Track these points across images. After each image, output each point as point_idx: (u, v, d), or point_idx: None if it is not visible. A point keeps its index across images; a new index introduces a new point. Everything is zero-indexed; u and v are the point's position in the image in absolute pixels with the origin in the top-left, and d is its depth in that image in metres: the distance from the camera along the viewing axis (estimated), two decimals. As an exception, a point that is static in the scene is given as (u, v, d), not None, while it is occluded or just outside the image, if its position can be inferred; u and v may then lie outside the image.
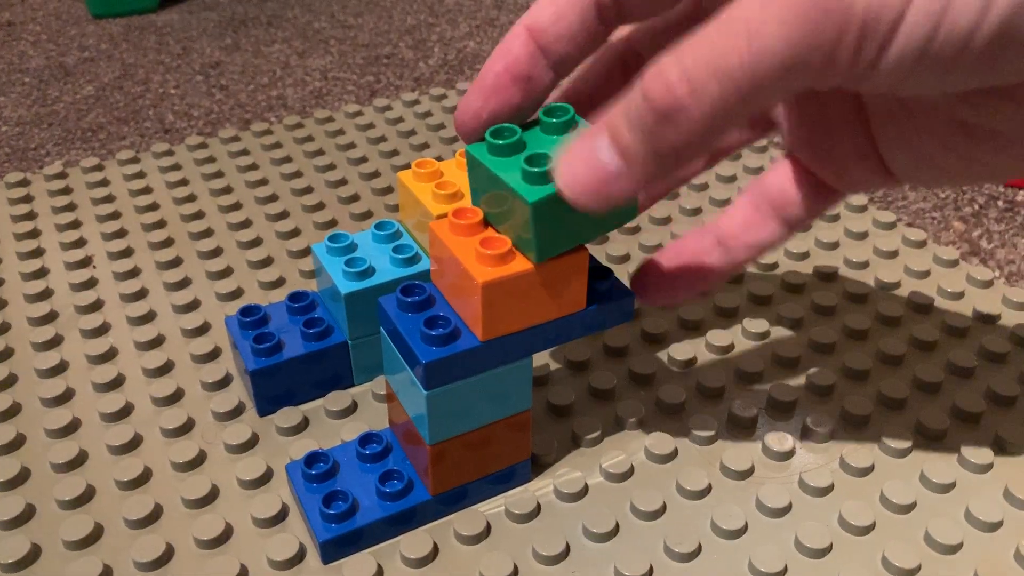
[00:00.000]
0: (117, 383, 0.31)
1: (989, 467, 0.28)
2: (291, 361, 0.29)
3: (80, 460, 0.28)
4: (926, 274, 0.37)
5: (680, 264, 0.25)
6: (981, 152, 0.20)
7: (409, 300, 0.24)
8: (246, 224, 0.40)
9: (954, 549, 0.25)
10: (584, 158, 0.19)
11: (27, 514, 0.26)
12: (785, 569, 0.25)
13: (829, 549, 0.25)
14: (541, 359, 0.32)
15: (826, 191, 0.24)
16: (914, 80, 0.17)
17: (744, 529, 0.26)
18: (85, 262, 0.38)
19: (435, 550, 0.25)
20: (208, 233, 0.40)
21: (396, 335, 0.24)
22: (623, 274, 0.36)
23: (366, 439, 0.27)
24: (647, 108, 0.18)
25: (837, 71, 0.17)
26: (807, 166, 0.24)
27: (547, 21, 0.21)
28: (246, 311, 0.30)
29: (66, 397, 0.31)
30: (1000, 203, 0.42)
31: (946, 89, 0.18)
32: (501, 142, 0.22)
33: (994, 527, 0.26)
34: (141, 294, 0.36)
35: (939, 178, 0.22)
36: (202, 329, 0.34)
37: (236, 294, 0.36)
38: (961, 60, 0.17)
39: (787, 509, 0.27)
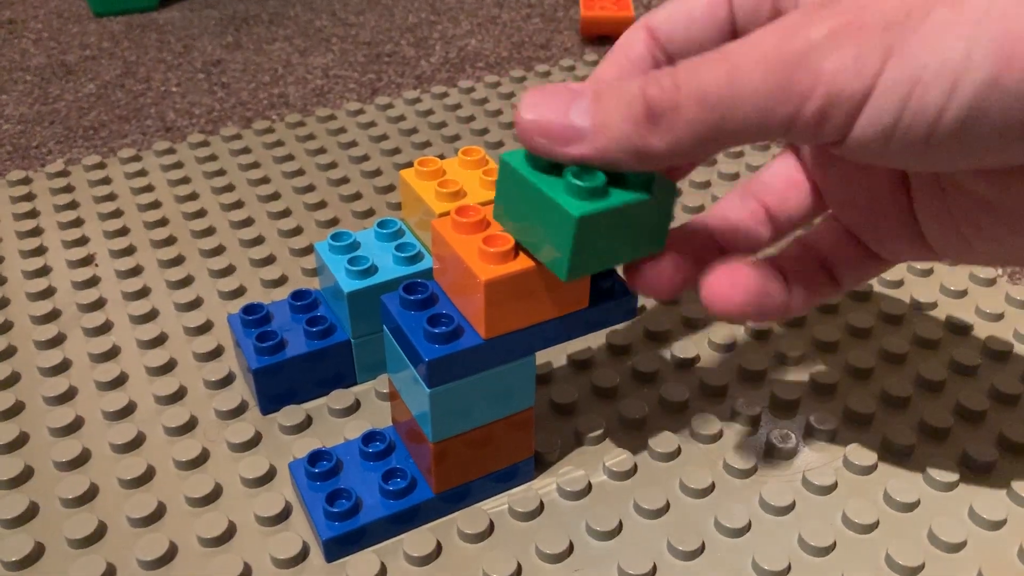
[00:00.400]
0: (120, 381, 0.31)
1: (993, 465, 0.28)
2: (294, 359, 0.29)
3: (83, 459, 0.28)
4: (929, 272, 0.37)
5: (763, 287, 0.22)
6: (1005, 233, 0.20)
7: (412, 298, 0.24)
8: (248, 222, 0.40)
9: (958, 547, 0.25)
10: (556, 105, 0.20)
11: (30, 513, 0.26)
12: (788, 567, 0.25)
13: (832, 547, 0.25)
14: (544, 357, 0.32)
15: (872, 258, 0.24)
16: (893, 155, 0.18)
17: (747, 527, 0.26)
18: (87, 260, 0.38)
19: (438, 548, 0.25)
20: (210, 231, 0.40)
21: (399, 333, 0.24)
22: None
23: (369, 437, 0.27)
24: (639, 97, 0.19)
25: (804, 129, 0.18)
26: (851, 231, 0.24)
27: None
28: (249, 309, 0.30)
29: (69, 395, 0.31)
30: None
31: (932, 168, 0.18)
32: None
33: (997, 525, 0.26)
34: (143, 292, 0.36)
35: (971, 256, 0.22)
36: (204, 327, 0.34)
37: (238, 292, 0.36)
38: (933, 139, 0.17)
39: (790, 507, 0.26)
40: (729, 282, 0.22)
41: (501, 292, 0.22)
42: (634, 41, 0.23)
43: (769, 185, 0.25)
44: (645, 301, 0.35)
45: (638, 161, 0.19)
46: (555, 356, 0.32)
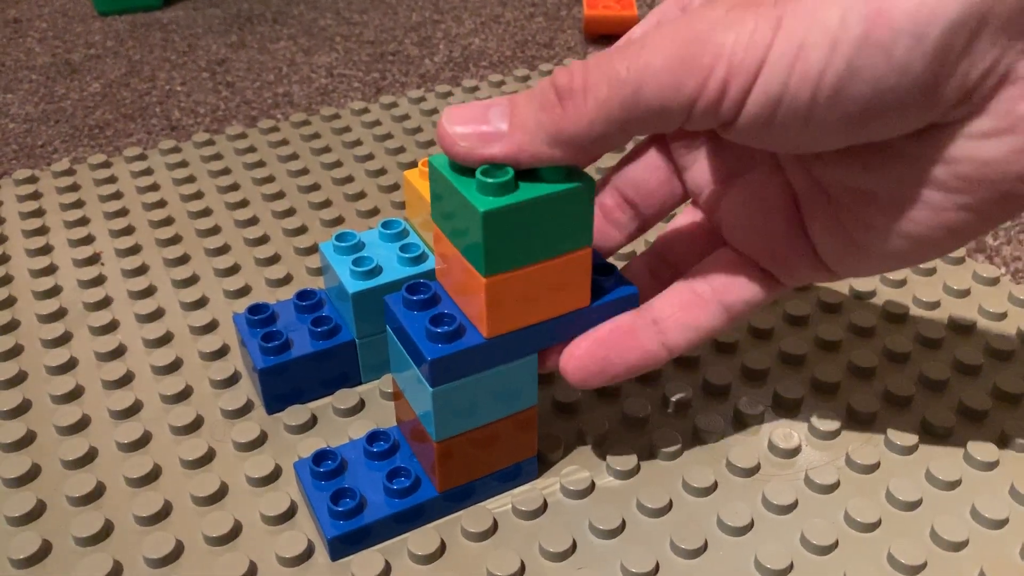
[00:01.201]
0: (126, 380, 0.32)
1: (995, 464, 0.28)
2: (299, 359, 0.29)
3: (90, 457, 0.29)
4: (932, 271, 0.37)
5: (612, 341, 0.24)
6: (891, 224, 0.21)
7: (415, 298, 0.24)
8: (253, 221, 0.41)
9: (960, 546, 0.25)
10: (475, 112, 0.21)
11: (38, 511, 0.27)
12: (791, 566, 0.25)
13: (835, 546, 0.25)
14: (547, 356, 0.32)
15: (771, 281, 0.25)
16: (778, 130, 0.19)
17: (750, 526, 0.26)
18: (93, 259, 0.38)
19: (443, 547, 0.25)
20: (215, 230, 0.40)
21: (402, 333, 0.24)
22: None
23: (373, 437, 0.27)
24: (548, 87, 0.20)
25: (707, 106, 0.19)
26: (750, 258, 0.25)
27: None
28: (254, 309, 0.30)
29: (75, 394, 0.31)
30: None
31: (813, 145, 0.19)
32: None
33: (1000, 524, 0.26)
34: (149, 291, 0.36)
35: (865, 264, 0.22)
36: (210, 327, 0.34)
37: (244, 291, 0.36)
38: (815, 105, 0.18)
39: (793, 506, 0.27)
40: (566, 360, 0.24)
41: (503, 291, 0.22)
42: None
43: (634, 180, 0.27)
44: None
45: (556, 148, 0.20)
46: (558, 355, 0.32)
